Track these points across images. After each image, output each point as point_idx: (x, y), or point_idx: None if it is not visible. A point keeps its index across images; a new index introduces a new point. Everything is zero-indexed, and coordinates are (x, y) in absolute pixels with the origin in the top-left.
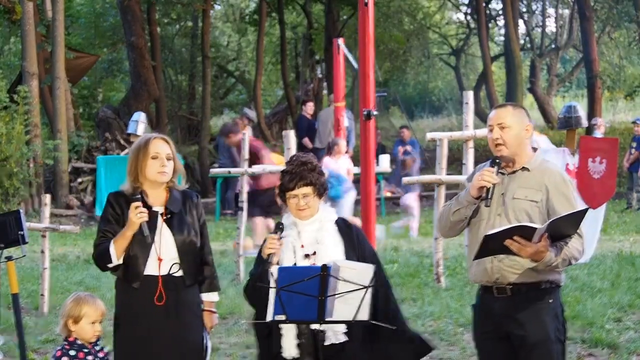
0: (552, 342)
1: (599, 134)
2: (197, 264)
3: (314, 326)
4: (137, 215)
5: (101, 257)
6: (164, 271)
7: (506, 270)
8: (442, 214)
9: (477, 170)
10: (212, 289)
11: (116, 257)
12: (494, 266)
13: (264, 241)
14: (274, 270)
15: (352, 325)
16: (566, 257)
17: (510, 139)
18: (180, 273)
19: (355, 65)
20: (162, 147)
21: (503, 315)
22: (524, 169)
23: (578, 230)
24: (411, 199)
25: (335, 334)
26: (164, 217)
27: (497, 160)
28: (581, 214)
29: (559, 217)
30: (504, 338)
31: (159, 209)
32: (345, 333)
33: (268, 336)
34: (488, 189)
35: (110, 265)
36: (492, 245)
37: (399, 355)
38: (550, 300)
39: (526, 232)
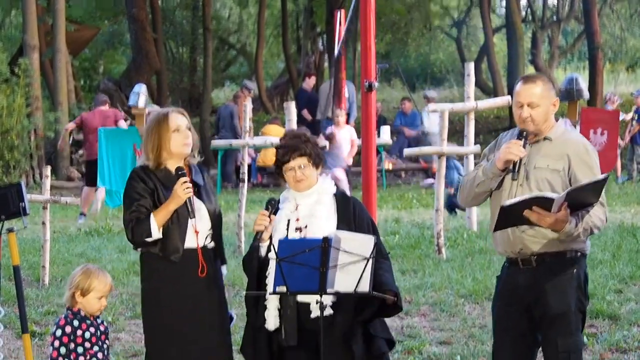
0: (572, 313)
1: (610, 107)
2: (221, 235)
3: (301, 299)
4: (184, 191)
5: (139, 232)
6: (201, 243)
7: (529, 240)
8: (465, 184)
9: (500, 139)
10: (222, 262)
11: (157, 230)
12: (516, 236)
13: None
14: (275, 241)
15: (341, 298)
16: (588, 226)
17: (539, 117)
18: (212, 244)
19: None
20: (181, 120)
21: (527, 287)
22: (546, 138)
23: (600, 199)
24: (339, 172)
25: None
26: (194, 190)
27: (525, 134)
28: (601, 183)
29: (578, 186)
30: (526, 311)
31: None
32: (332, 306)
33: (253, 308)
34: (515, 163)
35: (149, 240)
36: (511, 216)
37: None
38: (574, 270)
39: (544, 203)
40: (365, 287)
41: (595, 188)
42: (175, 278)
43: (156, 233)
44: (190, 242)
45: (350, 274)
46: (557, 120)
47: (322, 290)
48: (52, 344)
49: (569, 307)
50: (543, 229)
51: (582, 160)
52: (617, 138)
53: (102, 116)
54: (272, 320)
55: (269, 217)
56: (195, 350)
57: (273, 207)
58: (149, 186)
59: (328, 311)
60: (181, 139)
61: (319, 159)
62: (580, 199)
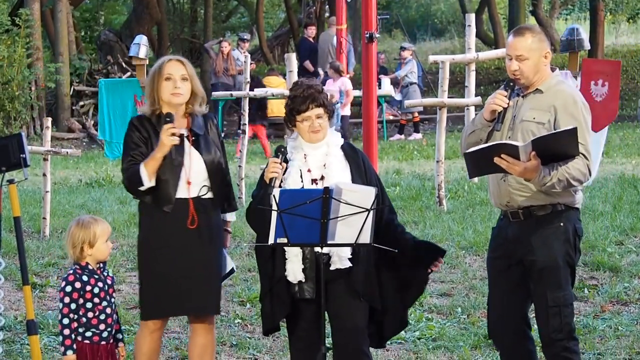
0: (560, 267)
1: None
2: (224, 185)
3: (317, 250)
4: (169, 138)
5: (132, 181)
6: (193, 194)
7: (514, 193)
8: (462, 135)
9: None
10: (231, 209)
11: (147, 179)
12: (503, 189)
13: (266, 165)
14: (275, 192)
15: (358, 250)
16: (563, 177)
17: (528, 70)
18: (209, 195)
19: None
20: (175, 69)
21: (515, 241)
22: (537, 90)
23: (583, 152)
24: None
25: (341, 259)
26: (190, 140)
27: (511, 84)
28: (569, 133)
29: (544, 136)
30: (517, 264)
31: (184, 131)
32: (350, 259)
33: (270, 259)
34: (499, 113)
35: (141, 189)
36: (481, 164)
37: (412, 274)
38: (561, 224)
39: (512, 151)
40: (366, 238)
41: (565, 138)
42: (166, 228)
43: (147, 182)
44: (182, 192)
45: (351, 226)
46: (553, 71)
47: (322, 242)
48: (62, 300)
49: (556, 262)
50: (528, 182)
51: (568, 111)
52: (618, 89)
53: None
54: (296, 273)
55: (280, 164)
56: (184, 301)
57: (283, 154)
58: (144, 135)
59: (347, 264)
60: (170, 87)
61: (332, 112)
62: (553, 149)
